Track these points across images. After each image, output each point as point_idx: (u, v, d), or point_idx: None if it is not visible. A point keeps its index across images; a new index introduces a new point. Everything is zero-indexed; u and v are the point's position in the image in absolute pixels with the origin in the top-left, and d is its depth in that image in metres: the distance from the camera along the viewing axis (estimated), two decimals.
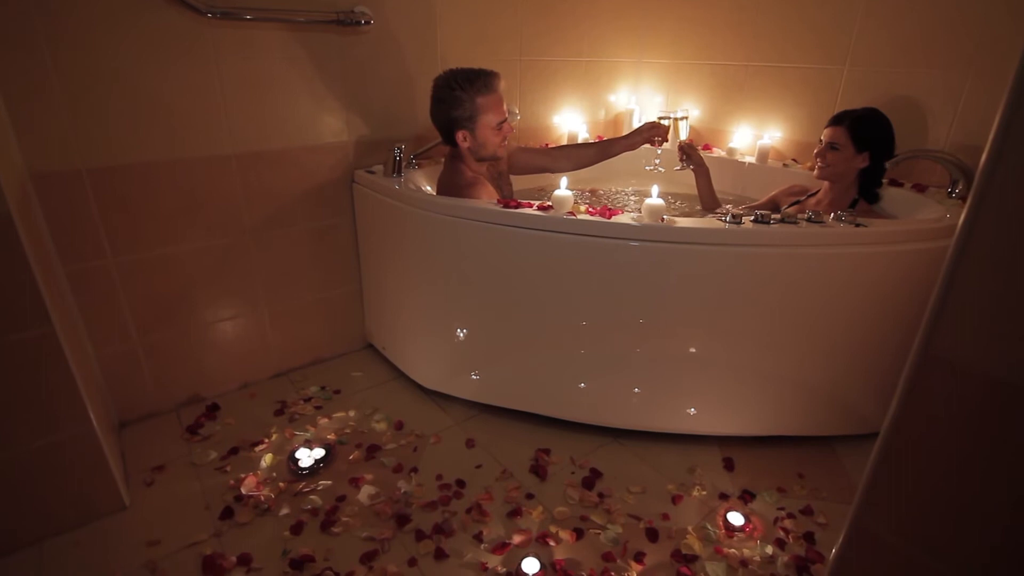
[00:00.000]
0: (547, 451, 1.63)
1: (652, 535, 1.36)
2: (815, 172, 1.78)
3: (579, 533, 1.36)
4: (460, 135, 1.66)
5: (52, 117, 1.37)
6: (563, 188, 1.50)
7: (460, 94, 1.60)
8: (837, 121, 1.71)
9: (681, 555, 1.30)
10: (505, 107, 1.67)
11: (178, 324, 1.72)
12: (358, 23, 1.72)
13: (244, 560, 1.27)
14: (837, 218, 1.45)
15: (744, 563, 1.29)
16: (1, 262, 1.09)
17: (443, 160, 1.82)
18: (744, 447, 1.65)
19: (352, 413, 1.79)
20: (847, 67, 1.99)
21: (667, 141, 1.89)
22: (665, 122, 1.89)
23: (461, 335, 1.71)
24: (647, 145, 1.92)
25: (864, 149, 1.68)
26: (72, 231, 1.47)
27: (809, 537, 1.36)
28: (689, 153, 1.98)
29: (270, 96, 1.67)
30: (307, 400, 1.84)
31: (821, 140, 1.74)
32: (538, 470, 1.56)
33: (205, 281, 1.73)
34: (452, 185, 1.70)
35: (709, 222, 1.44)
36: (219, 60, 1.56)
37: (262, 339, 1.90)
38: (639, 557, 1.30)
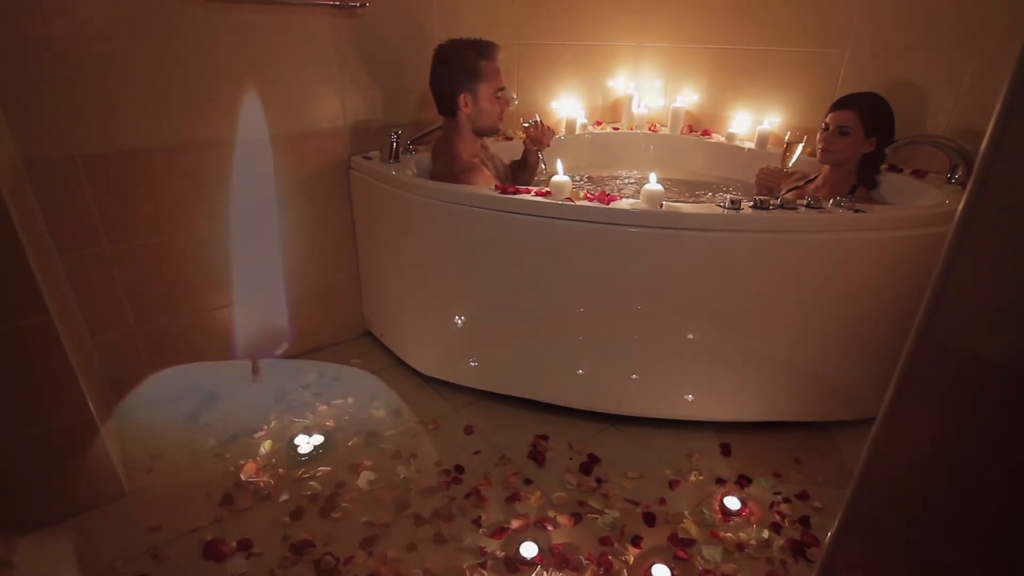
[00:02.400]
0: (545, 437, 1.64)
1: (649, 519, 1.37)
2: (818, 157, 1.74)
3: (577, 518, 1.37)
4: (463, 98, 1.68)
5: (45, 102, 1.35)
6: (561, 173, 1.49)
7: (465, 53, 1.65)
8: (846, 105, 1.66)
9: (678, 539, 1.32)
10: (503, 79, 1.72)
11: (176, 311, 1.71)
12: (354, 6, 1.70)
13: (244, 545, 1.28)
14: (836, 204, 1.44)
15: (740, 547, 1.30)
16: None
17: (437, 144, 1.81)
18: (741, 433, 1.66)
19: (351, 400, 1.79)
20: (848, 50, 1.97)
21: (542, 138, 1.89)
22: (527, 123, 1.91)
23: (459, 322, 1.71)
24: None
25: (872, 134, 1.66)
26: (67, 218, 1.46)
27: (805, 521, 1.37)
28: (783, 182, 1.95)
29: (265, 81, 1.65)
30: (306, 387, 1.84)
31: (827, 125, 1.70)
32: (536, 456, 1.56)
33: (202, 268, 1.72)
34: (449, 171, 1.69)
35: (707, 208, 1.43)
36: (214, 44, 1.53)
37: None
38: (636, 541, 1.31)
